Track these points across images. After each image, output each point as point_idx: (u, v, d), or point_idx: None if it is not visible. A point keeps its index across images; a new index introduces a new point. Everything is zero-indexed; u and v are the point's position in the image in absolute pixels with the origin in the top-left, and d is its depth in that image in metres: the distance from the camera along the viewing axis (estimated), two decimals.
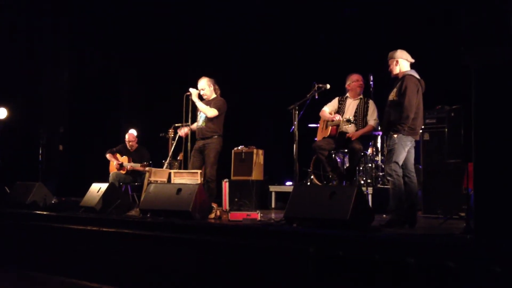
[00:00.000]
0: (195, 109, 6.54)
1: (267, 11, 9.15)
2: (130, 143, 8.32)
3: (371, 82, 7.07)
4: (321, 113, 6.60)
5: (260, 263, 4.19)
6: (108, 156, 8.18)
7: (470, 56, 3.52)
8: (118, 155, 8.23)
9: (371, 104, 6.33)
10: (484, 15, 3.48)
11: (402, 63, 4.98)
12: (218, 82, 6.67)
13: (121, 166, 8.02)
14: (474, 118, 3.51)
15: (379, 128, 6.37)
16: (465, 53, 3.53)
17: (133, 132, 8.42)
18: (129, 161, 8.11)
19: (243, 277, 4.29)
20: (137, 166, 7.89)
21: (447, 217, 5.28)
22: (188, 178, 6.52)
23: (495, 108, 3.44)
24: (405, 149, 4.83)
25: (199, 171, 6.56)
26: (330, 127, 6.38)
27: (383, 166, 7.12)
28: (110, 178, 7.84)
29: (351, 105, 6.40)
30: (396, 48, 5.03)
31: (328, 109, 6.52)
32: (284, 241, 4.15)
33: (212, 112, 6.32)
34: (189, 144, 6.95)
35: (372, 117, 6.26)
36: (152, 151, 8.45)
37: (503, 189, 3.35)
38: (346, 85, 6.48)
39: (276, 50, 8.99)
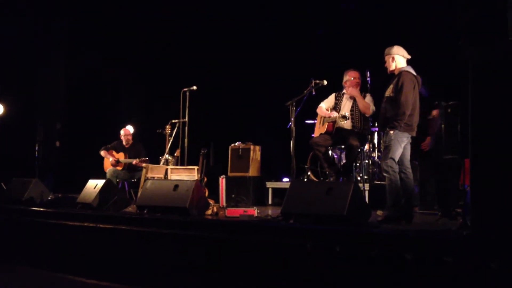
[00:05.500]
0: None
1: (264, 7, 9.12)
2: (127, 137, 8.24)
3: (368, 78, 7.07)
4: (318, 110, 6.61)
5: (258, 259, 4.19)
6: (102, 153, 8.10)
7: (467, 51, 3.51)
8: (113, 152, 8.18)
9: (368, 96, 6.34)
10: (481, 10, 3.47)
11: (398, 59, 4.98)
12: (215, 78, 6.65)
13: (117, 162, 7.98)
14: (471, 114, 3.51)
15: (376, 124, 6.36)
16: (462, 48, 3.52)
17: (129, 128, 8.37)
18: (125, 157, 8.06)
19: (240, 273, 4.29)
20: (135, 161, 7.86)
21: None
22: (185, 175, 6.52)
23: (492, 104, 3.42)
24: (402, 145, 4.84)
25: (196, 167, 6.55)
26: (327, 123, 6.39)
27: (379, 163, 7.12)
28: (108, 175, 7.81)
29: (348, 101, 6.40)
30: (393, 44, 5.03)
31: (325, 105, 6.53)
32: (281, 237, 4.15)
33: None
34: (186, 140, 6.95)
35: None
36: (149, 147, 8.42)
37: (499, 185, 3.35)
38: (343, 82, 6.47)
39: (273, 46, 8.97)
